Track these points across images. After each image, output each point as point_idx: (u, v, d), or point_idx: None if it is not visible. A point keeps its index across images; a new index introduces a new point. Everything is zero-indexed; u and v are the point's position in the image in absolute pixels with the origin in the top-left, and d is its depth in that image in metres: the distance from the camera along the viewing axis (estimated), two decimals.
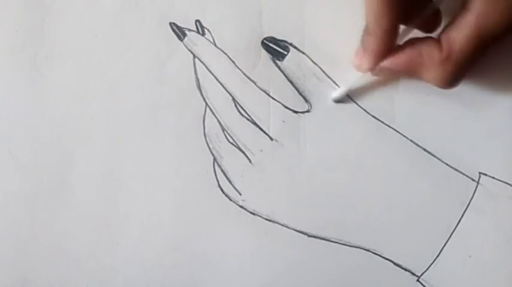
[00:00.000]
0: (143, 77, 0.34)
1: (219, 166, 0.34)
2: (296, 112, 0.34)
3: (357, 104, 0.33)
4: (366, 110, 0.33)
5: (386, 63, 0.31)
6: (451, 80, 0.30)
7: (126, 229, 0.34)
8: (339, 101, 0.33)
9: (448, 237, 0.33)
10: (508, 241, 0.33)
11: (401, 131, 0.33)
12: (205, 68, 0.34)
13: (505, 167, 0.33)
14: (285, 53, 0.34)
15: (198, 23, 0.34)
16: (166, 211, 0.34)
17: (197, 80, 0.34)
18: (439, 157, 0.33)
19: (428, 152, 0.33)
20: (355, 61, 0.32)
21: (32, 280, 0.34)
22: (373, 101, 0.33)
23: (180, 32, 0.34)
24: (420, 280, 0.33)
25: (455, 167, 0.33)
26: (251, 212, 0.34)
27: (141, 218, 0.34)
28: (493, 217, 0.33)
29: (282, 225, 0.33)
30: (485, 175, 0.33)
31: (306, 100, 0.34)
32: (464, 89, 0.33)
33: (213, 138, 0.34)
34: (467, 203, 0.33)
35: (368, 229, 0.33)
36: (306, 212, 0.33)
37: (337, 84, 0.34)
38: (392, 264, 0.33)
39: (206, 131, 0.34)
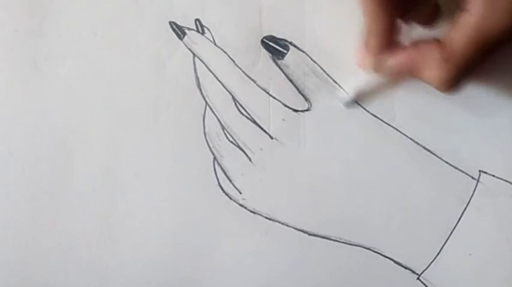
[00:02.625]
0: (143, 76, 0.34)
1: (219, 165, 0.34)
2: (296, 111, 0.34)
3: (357, 103, 0.33)
4: (366, 109, 0.33)
5: (387, 60, 0.31)
6: (450, 82, 0.30)
7: (126, 228, 0.34)
8: (350, 106, 0.33)
9: (448, 235, 0.33)
10: (508, 238, 0.33)
11: (401, 130, 0.33)
12: (205, 67, 0.34)
13: (505, 165, 0.33)
14: (285, 51, 0.34)
15: (197, 22, 0.34)
16: (166, 210, 0.34)
17: (197, 79, 0.34)
18: (439, 155, 0.33)
19: (428, 151, 0.33)
20: (358, 59, 0.32)
21: (32, 279, 0.34)
22: (374, 100, 0.33)
23: (179, 31, 0.34)
24: (420, 278, 0.33)
25: (455, 166, 0.33)
26: (251, 211, 0.34)
27: (141, 217, 0.34)
28: (493, 215, 0.33)
29: (282, 223, 0.33)
30: (485, 173, 0.33)
31: (306, 99, 0.34)
32: (465, 88, 0.33)
33: (213, 137, 0.34)
34: (468, 201, 0.33)
35: (368, 227, 0.33)
36: (306, 211, 0.33)
37: (337, 83, 0.34)
38: (392, 262, 0.33)
39: (206, 130, 0.34)
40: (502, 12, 0.28)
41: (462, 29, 0.29)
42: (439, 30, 0.32)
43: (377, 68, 0.32)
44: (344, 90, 0.33)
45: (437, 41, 0.30)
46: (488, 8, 0.28)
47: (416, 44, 0.31)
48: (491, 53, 0.29)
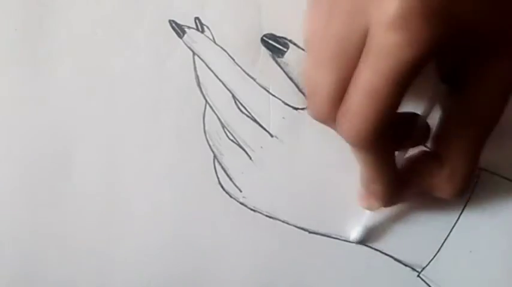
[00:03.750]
0: (143, 74, 0.34)
1: (219, 163, 0.34)
2: (296, 109, 0.34)
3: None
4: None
5: (397, 199, 0.31)
6: (461, 190, 0.30)
7: (126, 227, 0.34)
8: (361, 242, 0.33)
9: (448, 232, 0.33)
10: (509, 236, 0.33)
11: None
12: (204, 65, 0.34)
13: (505, 163, 0.33)
14: (285, 49, 0.34)
15: (197, 21, 0.34)
16: (166, 209, 0.34)
17: (197, 77, 0.34)
18: None
19: (428, 148, 0.33)
20: (363, 204, 0.32)
21: (31, 278, 0.34)
22: None
23: (179, 30, 0.34)
24: (421, 275, 0.33)
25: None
26: (252, 209, 0.34)
27: (141, 215, 0.34)
28: (493, 212, 0.33)
29: (283, 222, 0.34)
30: (486, 170, 0.33)
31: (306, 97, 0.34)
32: None
33: (213, 136, 0.34)
34: (468, 198, 0.33)
35: (368, 225, 0.33)
36: (307, 209, 0.33)
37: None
38: (392, 260, 0.33)
39: (206, 128, 0.34)
40: (490, 108, 0.27)
41: (464, 142, 0.28)
42: None
43: (388, 206, 0.32)
44: (354, 232, 0.33)
45: (435, 158, 0.29)
46: (479, 110, 0.27)
47: (415, 167, 0.30)
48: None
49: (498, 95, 0.27)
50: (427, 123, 0.30)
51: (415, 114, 0.30)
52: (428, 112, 0.30)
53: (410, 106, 0.30)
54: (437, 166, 0.29)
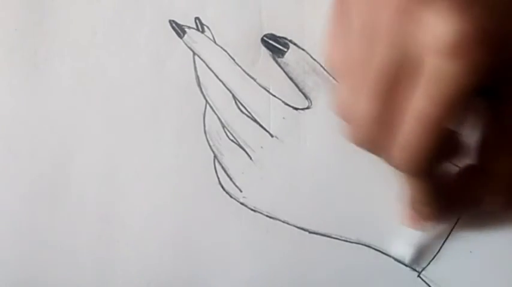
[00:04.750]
0: (143, 74, 0.34)
1: (220, 163, 0.34)
2: (296, 109, 0.34)
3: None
4: None
5: (447, 217, 0.31)
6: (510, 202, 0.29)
7: (126, 227, 0.34)
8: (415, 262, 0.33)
9: (448, 232, 0.33)
10: (509, 236, 0.33)
11: None
12: (205, 66, 0.34)
13: None
14: (285, 49, 0.34)
15: (197, 21, 0.34)
16: (166, 209, 0.34)
17: (197, 77, 0.34)
18: None
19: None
20: (413, 225, 0.32)
21: (31, 279, 0.34)
22: None
23: (179, 30, 0.34)
24: (421, 275, 0.33)
25: (455, 163, 0.33)
26: (252, 209, 0.34)
27: (141, 216, 0.34)
28: (493, 212, 0.33)
29: (283, 222, 0.33)
30: None
31: (306, 97, 0.34)
32: None
33: (213, 136, 0.34)
34: None
35: (369, 225, 0.33)
36: (307, 209, 0.33)
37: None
38: (393, 260, 0.33)
39: (206, 129, 0.34)
40: None
41: (507, 158, 0.27)
42: None
43: (437, 223, 0.31)
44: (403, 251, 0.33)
45: (478, 171, 0.29)
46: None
47: (460, 182, 0.29)
48: None
49: None
50: (462, 139, 0.29)
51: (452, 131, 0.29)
52: (461, 126, 0.29)
53: None
54: (486, 180, 0.28)
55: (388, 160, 0.26)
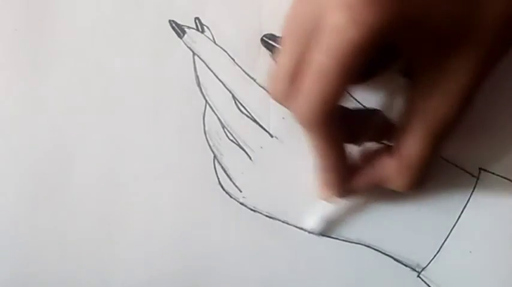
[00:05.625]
0: (143, 75, 0.34)
1: (219, 164, 0.34)
2: None
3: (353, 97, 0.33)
4: (364, 106, 0.33)
5: (350, 190, 0.31)
6: (412, 184, 0.30)
7: (126, 227, 0.34)
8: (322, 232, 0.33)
9: (448, 233, 0.33)
10: (509, 236, 0.33)
11: None
12: (204, 66, 0.34)
13: (505, 162, 0.33)
14: None
15: (197, 21, 0.34)
16: (166, 209, 0.34)
17: (197, 77, 0.34)
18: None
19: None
20: (319, 194, 0.32)
21: (31, 278, 0.34)
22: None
23: (179, 30, 0.34)
24: (421, 275, 0.33)
25: (455, 163, 0.33)
26: (252, 209, 0.34)
27: (141, 216, 0.34)
28: (493, 212, 0.33)
29: (283, 222, 0.33)
30: (485, 170, 0.33)
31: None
32: None
33: (213, 136, 0.34)
34: (467, 198, 0.33)
35: (368, 224, 0.33)
36: (306, 209, 0.33)
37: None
38: (392, 260, 0.33)
39: (206, 129, 0.34)
40: (447, 107, 0.27)
41: (415, 133, 0.28)
42: None
43: (342, 197, 0.32)
44: (310, 221, 0.33)
45: (390, 149, 0.30)
46: (434, 107, 0.27)
47: (369, 159, 0.31)
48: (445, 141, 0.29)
49: (454, 91, 0.27)
50: (388, 119, 0.30)
51: (373, 110, 0.31)
52: (389, 107, 0.30)
53: (372, 101, 0.31)
54: (390, 157, 0.30)
55: (292, 111, 0.27)
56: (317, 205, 0.33)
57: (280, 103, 0.28)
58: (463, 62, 0.26)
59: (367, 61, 0.25)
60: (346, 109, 0.30)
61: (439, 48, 0.26)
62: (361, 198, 0.33)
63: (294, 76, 0.27)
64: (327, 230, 0.33)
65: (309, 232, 0.33)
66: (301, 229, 0.33)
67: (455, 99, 0.27)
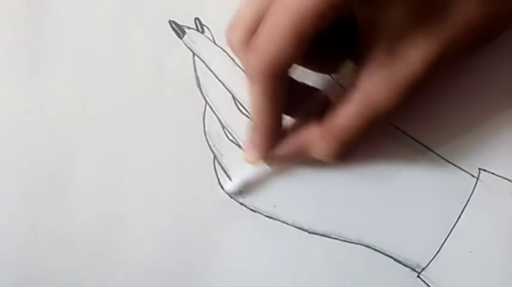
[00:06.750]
0: (143, 75, 0.34)
1: (219, 164, 0.34)
2: None
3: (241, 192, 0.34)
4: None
5: (272, 154, 0.31)
6: (336, 155, 0.30)
7: (126, 228, 0.34)
8: (235, 192, 0.34)
9: (448, 233, 0.33)
10: (509, 236, 0.33)
11: (400, 127, 0.33)
12: (204, 66, 0.34)
13: (505, 163, 0.33)
14: None
15: (197, 21, 0.34)
16: (166, 209, 0.34)
17: (197, 77, 0.34)
18: (439, 153, 0.33)
19: (428, 148, 0.33)
20: (244, 156, 0.33)
21: (32, 279, 0.34)
22: None
23: (179, 30, 0.34)
24: (420, 276, 0.33)
25: (455, 163, 0.33)
26: (251, 209, 0.34)
27: (141, 216, 0.34)
28: (493, 212, 0.33)
29: (283, 222, 0.33)
30: (485, 170, 0.33)
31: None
32: (464, 85, 0.33)
33: (213, 136, 0.34)
34: (467, 199, 0.33)
35: (368, 225, 0.33)
36: (306, 209, 0.33)
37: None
38: (392, 260, 0.33)
39: (206, 129, 0.34)
40: (387, 89, 0.28)
41: (349, 106, 0.29)
42: None
43: (265, 161, 0.32)
44: (230, 179, 0.34)
45: (317, 120, 0.30)
46: (377, 84, 0.28)
47: (297, 128, 0.31)
48: (377, 126, 0.29)
49: (401, 78, 0.27)
50: (330, 100, 0.31)
51: (315, 88, 0.32)
52: (329, 87, 0.31)
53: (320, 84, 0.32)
54: (316, 126, 0.30)
55: (245, 64, 0.29)
56: (241, 168, 0.33)
57: (235, 53, 0.29)
58: (418, 48, 0.27)
59: (324, 34, 0.26)
60: (294, 80, 0.31)
61: (397, 28, 0.26)
62: (285, 166, 0.33)
63: (253, 29, 0.27)
64: (242, 193, 0.33)
65: (226, 193, 0.34)
66: (301, 229, 0.33)
67: (399, 86, 0.28)
